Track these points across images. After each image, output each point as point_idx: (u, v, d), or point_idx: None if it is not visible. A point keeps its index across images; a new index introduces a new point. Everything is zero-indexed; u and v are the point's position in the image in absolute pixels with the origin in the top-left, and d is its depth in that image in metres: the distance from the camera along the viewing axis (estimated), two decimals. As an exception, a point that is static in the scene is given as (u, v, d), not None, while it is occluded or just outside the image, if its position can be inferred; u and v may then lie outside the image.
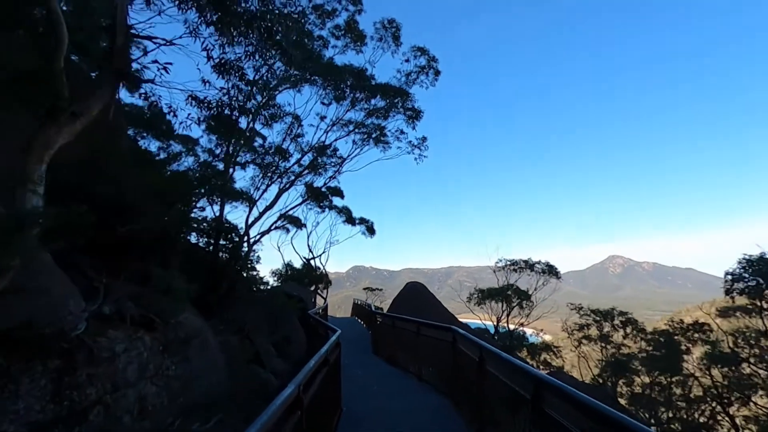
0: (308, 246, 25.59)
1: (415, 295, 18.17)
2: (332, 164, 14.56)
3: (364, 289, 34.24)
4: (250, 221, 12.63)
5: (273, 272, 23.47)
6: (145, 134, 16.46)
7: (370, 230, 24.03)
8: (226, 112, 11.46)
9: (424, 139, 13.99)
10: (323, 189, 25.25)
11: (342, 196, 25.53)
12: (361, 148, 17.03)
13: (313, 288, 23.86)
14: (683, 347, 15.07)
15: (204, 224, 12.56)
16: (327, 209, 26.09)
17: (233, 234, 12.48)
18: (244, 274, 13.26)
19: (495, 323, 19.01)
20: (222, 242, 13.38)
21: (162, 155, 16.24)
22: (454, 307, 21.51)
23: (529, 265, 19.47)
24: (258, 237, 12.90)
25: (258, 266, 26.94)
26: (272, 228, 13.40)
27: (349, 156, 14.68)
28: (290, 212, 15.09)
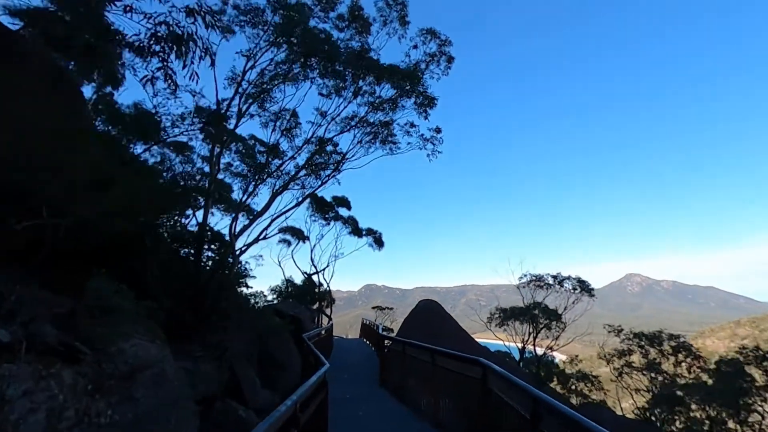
0: (311, 260, 23.92)
1: (429, 315, 16.20)
2: (332, 163, 12.91)
3: (374, 308, 32.16)
4: (237, 229, 10.97)
5: (272, 289, 21.76)
6: (131, 138, 15.04)
7: (378, 242, 22.30)
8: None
9: (438, 130, 12.27)
10: (330, 200, 23.81)
11: (349, 207, 23.99)
12: (366, 150, 15.40)
13: (316, 306, 21.99)
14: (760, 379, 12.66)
15: (182, 231, 10.97)
16: (332, 221, 24.49)
17: (217, 243, 10.83)
18: (233, 290, 11.52)
19: (520, 346, 16.84)
20: (209, 254, 11.75)
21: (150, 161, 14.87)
22: (468, 325, 19.51)
23: (558, 281, 17.37)
24: (244, 248, 11.23)
25: (252, 281, 25.37)
26: (262, 236, 11.74)
27: (349, 151, 13.01)
28: (285, 216, 13.47)
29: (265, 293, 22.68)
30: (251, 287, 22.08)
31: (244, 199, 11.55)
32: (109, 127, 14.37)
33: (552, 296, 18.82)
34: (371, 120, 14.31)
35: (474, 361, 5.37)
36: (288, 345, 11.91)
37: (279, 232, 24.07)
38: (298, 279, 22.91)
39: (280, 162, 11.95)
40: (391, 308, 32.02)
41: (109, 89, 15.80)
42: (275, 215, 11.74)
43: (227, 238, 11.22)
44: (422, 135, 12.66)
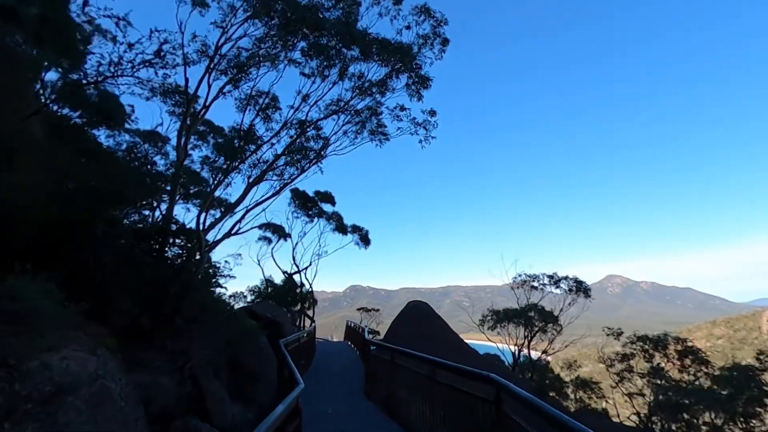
0: (293, 259, 22.68)
1: (419, 316, 15.23)
2: (313, 151, 11.79)
3: (359, 309, 31.01)
4: (207, 222, 9.78)
5: (251, 289, 20.45)
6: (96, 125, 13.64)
7: (364, 239, 21.23)
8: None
9: (433, 113, 11.25)
10: (312, 195, 22.61)
11: (333, 202, 22.87)
12: (352, 140, 14.34)
13: (298, 308, 20.77)
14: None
15: (144, 224, 9.73)
16: (316, 217, 23.30)
17: (183, 238, 9.61)
18: (201, 291, 10.30)
19: (515, 350, 16.00)
20: (175, 250, 10.52)
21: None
22: (454, 326, 18.60)
23: (554, 281, 16.60)
24: (215, 243, 10.02)
25: (231, 282, 23.93)
26: (236, 230, 10.57)
27: (335, 141, 11.90)
28: (262, 207, 12.33)
29: (245, 294, 21.41)
30: (225, 288, 20.79)
31: (213, 186, 10.33)
32: (72, 112, 13.01)
33: (545, 297, 18.12)
34: (358, 107, 13.26)
35: (485, 378, 4.36)
36: (264, 352, 10.75)
37: (258, 228, 22.86)
38: (279, 279, 21.66)
39: (255, 147, 10.77)
40: (377, 309, 30.94)
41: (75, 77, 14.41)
42: (250, 206, 10.57)
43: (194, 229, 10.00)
44: (414, 119, 11.65)
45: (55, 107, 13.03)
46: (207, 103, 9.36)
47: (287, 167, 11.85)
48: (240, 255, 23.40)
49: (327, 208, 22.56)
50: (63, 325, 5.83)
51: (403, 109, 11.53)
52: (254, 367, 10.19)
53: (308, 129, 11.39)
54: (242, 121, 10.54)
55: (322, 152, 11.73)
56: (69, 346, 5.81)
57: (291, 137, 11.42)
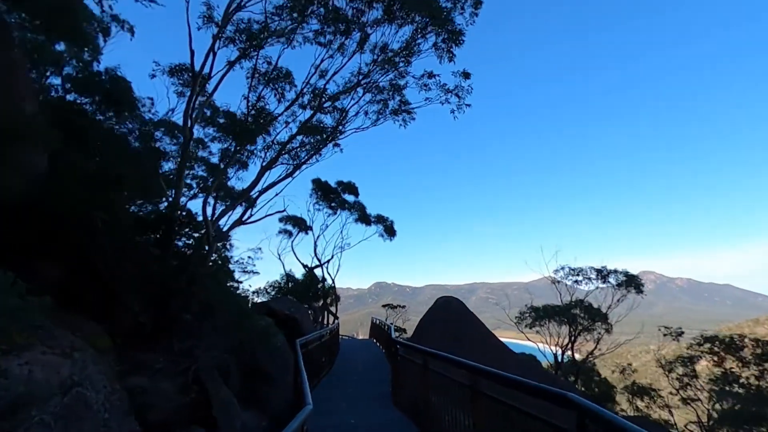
0: (314, 252, 21.75)
1: (449, 313, 14.01)
2: (329, 128, 10.70)
3: (384, 306, 29.90)
4: (217, 211, 8.88)
5: (271, 285, 19.68)
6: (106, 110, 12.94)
7: (389, 230, 20.07)
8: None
9: (466, 75, 9.89)
10: (334, 185, 21.63)
11: (356, 193, 21.80)
12: (374, 122, 13.21)
13: (321, 303, 19.87)
14: None
15: (149, 212, 8.92)
16: (338, 209, 22.31)
17: (190, 227, 8.74)
18: (213, 286, 9.43)
19: (556, 351, 14.53)
20: (185, 240, 9.70)
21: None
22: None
23: (602, 276, 14.97)
24: (222, 232, 9.10)
25: (250, 278, 23.26)
26: (247, 217, 9.64)
27: (352, 120, 10.77)
28: (275, 191, 11.42)
29: (266, 289, 20.69)
30: (239, 282, 20.08)
31: (222, 167, 9.42)
32: (81, 97, 12.43)
33: (586, 292, 16.52)
34: (380, 83, 12.10)
35: (561, 398, 3.12)
36: (280, 352, 9.84)
37: (278, 221, 22.14)
38: (300, 274, 20.85)
39: (266, 122, 9.76)
40: (403, 306, 29.75)
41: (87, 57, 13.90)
42: (263, 188, 9.61)
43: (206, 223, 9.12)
44: (444, 85, 10.33)
45: (64, 93, 12.45)
46: (210, 72, 8.42)
47: (302, 149, 10.84)
48: (260, 249, 22.79)
49: (349, 199, 21.63)
50: (27, 322, 4.96)
51: (431, 75, 10.27)
52: (269, 369, 9.27)
53: (325, 101, 10.29)
54: (248, 94, 9.54)
55: (340, 127, 10.63)
56: (35, 348, 4.93)
57: (306, 117, 10.37)
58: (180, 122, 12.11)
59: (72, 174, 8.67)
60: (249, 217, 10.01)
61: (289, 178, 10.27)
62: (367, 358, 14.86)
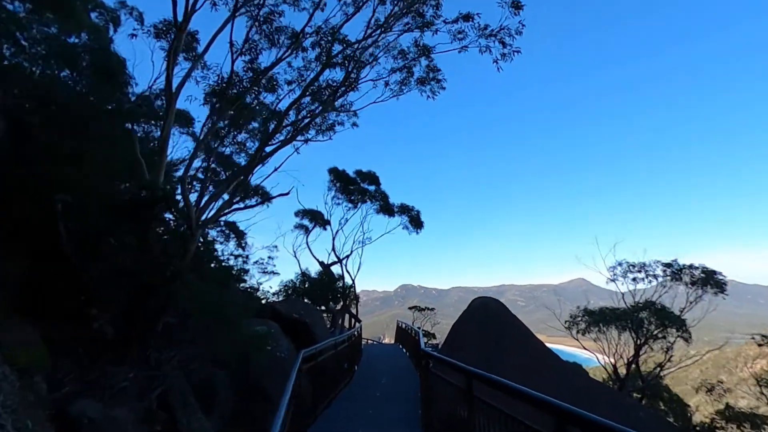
0: (332, 248, 19.98)
1: (488, 317, 11.97)
2: (337, 86, 8.87)
3: (410, 308, 27.87)
4: (204, 197, 7.22)
5: (285, 285, 18.07)
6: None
7: (415, 222, 18.16)
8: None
9: (517, 6, 7.72)
10: (353, 175, 19.88)
11: (377, 183, 19.95)
12: (396, 94, 11.39)
13: (340, 306, 18.09)
14: None
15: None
16: (359, 203, 20.53)
17: (172, 213, 7.09)
18: (202, 284, 7.76)
19: (614, 360, 12.20)
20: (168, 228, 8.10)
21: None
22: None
23: (673, 273, 12.51)
24: (209, 217, 7.44)
25: (270, 278, 21.69)
26: (238, 204, 7.96)
27: (364, 89, 8.96)
28: (273, 165, 9.73)
29: (287, 291, 19.14)
30: (261, 283, 18.44)
31: (201, 136, 7.77)
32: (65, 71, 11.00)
33: (640, 291, 14.09)
34: (407, 50, 10.25)
35: None
36: (283, 365, 8.07)
37: (295, 216, 20.58)
38: (317, 272, 19.13)
39: (258, 79, 8.05)
40: (432, 309, 27.62)
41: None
42: (261, 157, 7.89)
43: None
44: (484, 28, 8.27)
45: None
46: (189, 15, 6.75)
47: (303, 120, 9.03)
48: (276, 247, 21.30)
49: (370, 189, 19.82)
50: None
51: (468, 18, 8.25)
52: (267, 385, 7.51)
53: (335, 54, 8.43)
54: (242, 46, 7.79)
55: (353, 74, 8.73)
56: None
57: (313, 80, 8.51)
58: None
59: (34, 147, 7.24)
60: (239, 200, 8.39)
61: (294, 152, 8.60)
62: (393, 368, 13.02)
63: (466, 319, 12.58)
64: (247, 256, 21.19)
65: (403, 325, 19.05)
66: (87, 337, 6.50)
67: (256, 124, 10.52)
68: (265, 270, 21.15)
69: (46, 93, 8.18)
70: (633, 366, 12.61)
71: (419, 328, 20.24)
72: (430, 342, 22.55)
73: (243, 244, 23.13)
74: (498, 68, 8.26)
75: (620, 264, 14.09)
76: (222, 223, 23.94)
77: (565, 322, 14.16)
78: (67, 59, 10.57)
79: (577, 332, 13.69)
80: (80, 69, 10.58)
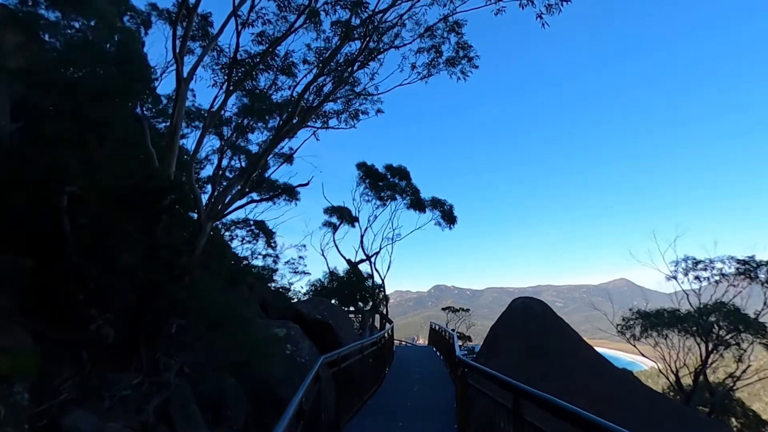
0: (360, 246, 19.20)
1: (530, 319, 10.81)
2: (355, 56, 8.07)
3: (444, 309, 26.71)
4: (215, 192, 6.60)
5: (312, 285, 17.50)
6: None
7: (448, 217, 17.13)
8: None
9: None
10: (383, 170, 19.09)
11: (408, 178, 19.03)
12: (425, 77, 10.55)
13: (369, 306, 17.29)
14: None
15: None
16: (389, 200, 19.70)
17: (181, 202, 6.52)
18: (205, 283, 7.18)
19: (675, 369, 10.71)
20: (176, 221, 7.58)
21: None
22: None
23: (748, 270, 10.88)
24: (224, 205, 6.80)
25: (301, 278, 21.30)
26: (253, 195, 7.29)
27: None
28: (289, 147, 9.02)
29: (317, 290, 18.60)
30: (292, 284, 17.83)
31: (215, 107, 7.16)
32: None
33: (705, 290, 12.43)
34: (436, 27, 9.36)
35: None
36: (303, 370, 7.31)
37: (324, 213, 20.00)
38: (344, 270, 18.42)
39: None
40: (466, 309, 26.34)
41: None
42: (278, 139, 7.19)
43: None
44: None
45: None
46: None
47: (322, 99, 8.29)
48: (304, 246, 20.82)
49: (400, 184, 18.98)
50: None
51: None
52: (286, 393, 6.80)
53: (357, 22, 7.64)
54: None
55: (372, 43, 7.90)
56: None
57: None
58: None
59: (41, 130, 6.86)
60: (254, 190, 7.77)
61: (312, 136, 7.93)
62: (426, 374, 12.09)
63: (505, 321, 11.47)
64: (277, 256, 20.85)
65: (437, 327, 18.04)
66: (89, 340, 6.04)
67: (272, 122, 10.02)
68: (296, 270, 20.79)
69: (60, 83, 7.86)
70: (701, 376, 11.05)
71: (453, 330, 19.17)
72: (465, 345, 21.36)
73: (272, 244, 22.93)
74: (543, 24, 7.24)
75: (683, 260, 12.49)
76: (252, 222, 23.96)
77: (617, 324, 12.75)
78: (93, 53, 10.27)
79: (631, 337, 12.26)
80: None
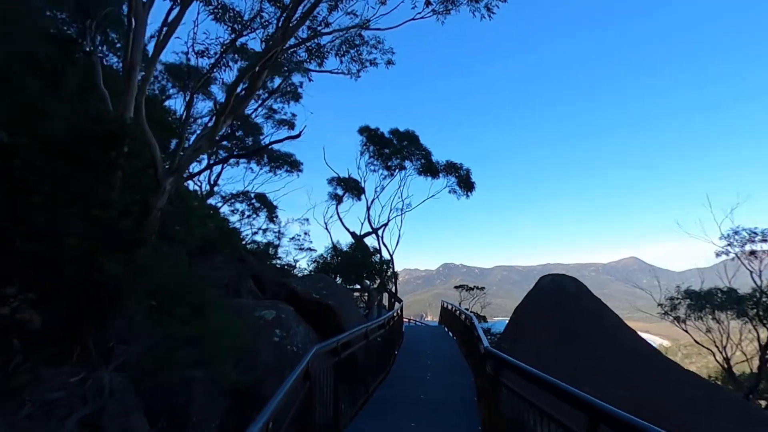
0: (367, 219, 17.62)
1: (564, 300, 9.31)
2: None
3: (456, 287, 25.29)
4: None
5: (314, 260, 16.17)
6: None
7: (465, 183, 15.45)
8: None
9: None
10: (388, 135, 17.35)
11: (418, 144, 17.22)
12: (442, 14, 8.95)
13: (378, 283, 15.90)
14: None
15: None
16: (397, 169, 18.04)
17: (133, 152, 5.03)
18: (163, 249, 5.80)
19: (728, 353, 9.25)
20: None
21: None
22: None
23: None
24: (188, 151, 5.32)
25: (305, 255, 20.04)
26: (222, 132, 5.79)
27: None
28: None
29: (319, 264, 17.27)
30: (278, 257, 16.52)
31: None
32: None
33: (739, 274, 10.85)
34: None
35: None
36: (295, 361, 5.96)
37: (328, 184, 18.47)
38: (348, 245, 16.96)
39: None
40: (482, 288, 24.87)
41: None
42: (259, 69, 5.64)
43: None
44: None
45: None
46: None
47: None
48: (307, 220, 19.46)
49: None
50: None
51: None
52: (269, 390, 5.50)
53: None
54: None
55: None
56: None
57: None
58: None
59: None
60: (225, 130, 6.24)
61: (307, 80, 6.23)
62: (439, 358, 10.88)
63: (532, 302, 10.01)
64: (280, 232, 19.58)
65: (450, 307, 16.73)
66: (11, 327, 4.73)
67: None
68: (302, 247, 19.54)
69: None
70: (763, 366, 9.60)
71: (468, 309, 17.83)
72: (481, 326, 20.03)
73: (274, 218, 21.57)
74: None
75: (736, 232, 10.81)
76: (252, 195, 22.55)
77: (658, 305, 11.27)
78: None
79: (676, 318, 10.78)
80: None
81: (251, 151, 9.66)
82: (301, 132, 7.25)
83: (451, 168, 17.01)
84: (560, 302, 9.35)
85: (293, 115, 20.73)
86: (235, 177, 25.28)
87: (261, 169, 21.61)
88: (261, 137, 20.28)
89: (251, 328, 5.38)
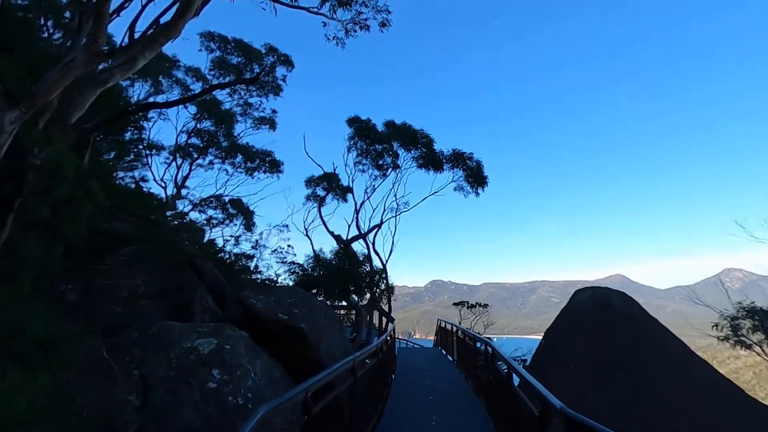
0: (355, 223, 15.15)
1: (608, 318, 7.17)
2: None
3: (455, 304, 22.84)
4: None
5: (291, 272, 13.82)
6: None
7: (476, 177, 13.24)
8: None
9: None
10: (382, 128, 15.22)
11: (416, 139, 15.08)
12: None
13: (367, 300, 13.49)
14: None
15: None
16: (390, 168, 15.90)
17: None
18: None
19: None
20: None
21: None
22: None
23: None
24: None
25: (285, 268, 17.65)
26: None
27: None
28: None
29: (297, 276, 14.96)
30: (257, 270, 14.65)
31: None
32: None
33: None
34: None
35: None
36: (238, 422, 3.70)
37: (305, 186, 16.16)
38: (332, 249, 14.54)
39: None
40: (485, 305, 22.41)
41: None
42: None
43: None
44: None
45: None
46: None
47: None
48: (287, 227, 17.19)
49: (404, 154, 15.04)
50: None
51: None
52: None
53: None
54: None
55: None
56: None
57: None
58: None
59: None
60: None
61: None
62: (442, 390, 9.01)
63: (568, 321, 7.85)
64: (258, 242, 17.34)
65: (448, 326, 14.46)
66: None
67: None
68: (284, 260, 17.28)
69: None
70: None
71: (470, 329, 15.45)
72: (493, 348, 17.73)
73: (251, 225, 19.24)
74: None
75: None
76: (226, 200, 20.13)
77: (713, 325, 9.30)
78: None
79: (738, 342, 8.84)
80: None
81: (195, 95, 7.65)
82: (258, 75, 5.19)
83: (459, 159, 14.18)
84: (604, 323, 7.28)
85: (273, 111, 18.74)
86: (208, 180, 22.74)
87: (236, 170, 19.36)
88: (236, 132, 18.16)
89: (173, 368, 3.15)
